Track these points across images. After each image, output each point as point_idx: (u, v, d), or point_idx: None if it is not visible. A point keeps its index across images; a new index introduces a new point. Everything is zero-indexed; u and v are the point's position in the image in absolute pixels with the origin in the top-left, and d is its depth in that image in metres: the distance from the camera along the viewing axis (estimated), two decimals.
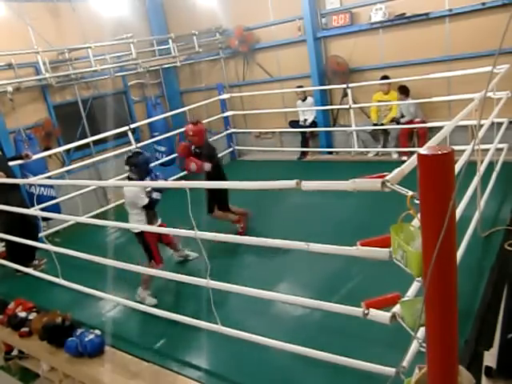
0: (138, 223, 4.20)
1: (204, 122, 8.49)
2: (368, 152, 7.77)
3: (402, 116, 7.24)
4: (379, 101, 7.44)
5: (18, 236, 4.88)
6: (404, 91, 7.04)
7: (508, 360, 2.85)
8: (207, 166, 5.05)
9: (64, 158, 7.95)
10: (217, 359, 3.41)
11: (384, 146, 7.70)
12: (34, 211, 5.39)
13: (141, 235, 4.19)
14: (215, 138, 8.68)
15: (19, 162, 5.76)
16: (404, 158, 6.97)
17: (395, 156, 7.37)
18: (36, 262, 5.39)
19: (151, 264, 4.23)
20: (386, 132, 7.64)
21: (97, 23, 8.04)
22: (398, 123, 7.22)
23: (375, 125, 7.55)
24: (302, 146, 8.37)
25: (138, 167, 4.20)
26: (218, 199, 5.26)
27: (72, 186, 6.67)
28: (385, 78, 7.33)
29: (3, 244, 5.93)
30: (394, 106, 7.33)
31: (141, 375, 3.32)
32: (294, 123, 8.50)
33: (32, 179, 6.30)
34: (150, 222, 4.27)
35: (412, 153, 6.90)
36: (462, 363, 1.95)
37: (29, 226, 5.29)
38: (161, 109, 9.00)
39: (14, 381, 4.43)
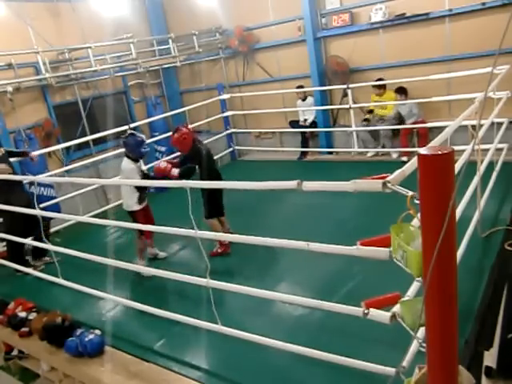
0: (130, 200, 4.66)
1: (204, 122, 8.58)
2: (368, 152, 7.77)
3: (400, 116, 7.25)
4: (376, 101, 7.47)
5: (21, 233, 4.87)
6: (402, 92, 7.04)
7: (508, 360, 2.86)
8: (174, 171, 4.68)
9: (64, 157, 7.94)
10: (217, 359, 3.41)
11: (384, 146, 7.70)
12: (34, 211, 5.39)
13: (133, 213, 4.71)
14: (215, 137, 8.69)
15: (19, 158, 5.76)
16: (404, 158, 6.99)
17: (395, 156, 7.40)
18: (47, 258, 5.36)
19: (141, 238, 4.82)
20: (378, 132, 7.65)
21: (97, 23, 8.04)
22: (401, 123, 7.25)
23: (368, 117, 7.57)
24: (302, 146, 8.37)
25: (128, 146, 4.62)
26: (216, 205, 4.96)
27: (72, 185, 6.67)
28: (380, 80, 7.35)
29: (3, 244, 5.92)
30: (390, 105, 7.35)
31: (141, 375, 3.32)
32: (294, 123, 8.51)
33: (33, 177, 6.29)
34: (141, 201, 4.74)
35: (412, 153, 6.98)
36: (462, 363, 1.95)
37: (32, 222, 5.25)
38: (161, 109, 9.00)
39: (14, 381, 4.43)
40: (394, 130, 7.41)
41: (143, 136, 4.74)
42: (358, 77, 7.76)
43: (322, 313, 3.17)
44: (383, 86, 7.33)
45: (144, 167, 4.86)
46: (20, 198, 5.07)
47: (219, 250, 4.92)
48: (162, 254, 5.09)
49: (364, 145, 7.85)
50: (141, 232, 4.75)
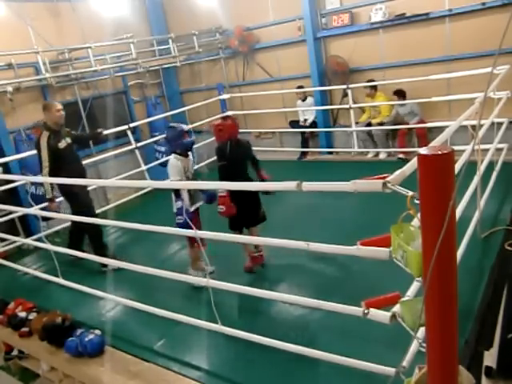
0: (176, 203, 4.10)
1: (204, 121, 8.58)
2: (368, 152, 7.77)
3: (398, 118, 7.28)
4: (369, 103, 7.53)
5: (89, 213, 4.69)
6: (400, 94, 7.05)
7: (508, 360, 2.86)
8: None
9: None
10: (217, 359, 3.41)
11: (386, 147, 7.71)
12: (34, 211, 5.40)
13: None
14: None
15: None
16: (400, 156, 7.08)
17: (382, 156, 7.50)
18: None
19: (193, 247, 4.28)
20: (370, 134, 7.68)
21: (97, 23, 8.04)
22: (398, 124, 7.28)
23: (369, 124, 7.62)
24: (302, 146, 8.37)
25: (170, 142, 4.32)
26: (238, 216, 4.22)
27: None
28: (371, 81, 7.39)
29: (3, 244, 5.92)
30: (384, 107, 7.38)
31: (141, 375, 3.32)
32: (294, 123, 8.51)
33: (33, 177, 6.29)
34: (192, 202, 4.26)
35: (410, 153, 6.95)
36: (462, 363, 1.95)
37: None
38: (161, 109, 9.00)
39: (14, 381, 4.43)
40: (392, 130, 7.43)
41: (183, 125, 4.34)
42: (358, 77, 7.76)
43: (322, 313, 3.17)
44: (374, 87, 7.36)
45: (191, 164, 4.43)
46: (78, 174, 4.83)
47: (250, 264, 4.50)
48: (208, 268, 4.03)
49: (364, 145, 7.86)
50: (190, 240, 4.24)
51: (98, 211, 6.58)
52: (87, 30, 7.89)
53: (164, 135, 4.46)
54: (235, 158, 4.34)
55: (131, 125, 7.33)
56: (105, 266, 4.84)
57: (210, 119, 8.66)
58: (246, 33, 8.73)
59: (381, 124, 7.45)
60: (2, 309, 4.51)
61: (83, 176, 5.08)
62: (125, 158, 7.83)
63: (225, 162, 4.31)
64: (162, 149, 8.69)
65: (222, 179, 4.27)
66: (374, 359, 2.59)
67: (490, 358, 2.88)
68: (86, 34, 7.82)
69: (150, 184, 6.86)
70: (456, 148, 1.71)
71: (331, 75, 7.97)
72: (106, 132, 6.96)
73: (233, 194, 4.08)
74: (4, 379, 4.50)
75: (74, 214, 4.87)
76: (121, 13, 8.35)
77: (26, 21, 7.18)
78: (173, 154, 4.26)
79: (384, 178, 2.05)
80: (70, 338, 3.69)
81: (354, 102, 7.64)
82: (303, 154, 8.36)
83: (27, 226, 6.87)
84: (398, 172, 2.09)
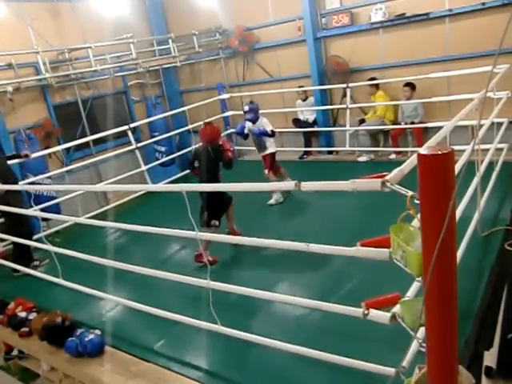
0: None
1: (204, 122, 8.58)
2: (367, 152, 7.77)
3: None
4: (373, 102, 7.51)
5: (16, 235, 4.91)
6: (412, 86, 7.02)
7: (508, 360, 2.86)
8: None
9: (64, 158, 7.95)
10: (217, 359, 3.41)
11: (383, 146, 7.71)
12: (34, 211, 5.40)
13: None
14: None
15: (18, 160, 5.80)
16: (392, 156, 7.22)
17: (363, 158, 7.49)
18: (36, 263, 5.38)
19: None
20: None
21: (97, 23, 8.04)
22: (397, 123, 7.29)
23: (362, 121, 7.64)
24: (306, 146, 8.37)
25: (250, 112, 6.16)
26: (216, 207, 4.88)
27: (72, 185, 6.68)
28: (372, 79, 7.39)
29: (3, 244, 5.92)
30: (380, 106, 7.39)
31: (141, 375, 3.32)
32: (298, 122, 8.46)
33: (31, 183, 6.31)
34: (259, 149, 6.49)
35: (400, 152, 7.09)
36: (462, 363, 1.95)
37: (24, 226, 5.29)
38: (161, 109, 9.00)
39: (14, 381, 4.43)
40: (387, 131, 7.50)
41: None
42: (358, 77, 7.75)
43: (322, 313, 3.16)
44: (375, 85, 7.38)
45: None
46: (16, 200, 5.09)
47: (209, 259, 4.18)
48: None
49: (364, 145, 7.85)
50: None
51: (97, 211, 6.62)
52: (87, 30, 7.88)
53: None
54: (202, 158, 4.90)
55: (131, 125, 7.33)
56: (17, 271, 5.16)
57: (210, 119, 8.67)
58: (246, 33, 8.73)
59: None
60: (2, 309, 4.51)
61: None
62: (125, 158, 7.83)
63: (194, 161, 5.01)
64: (163, 149, 8.69)
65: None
66: (374, 359, 2.59)
67: (490, 358, 2.88)
68: (86, 34, 7.82)
69: (145, 188, 6.81)
70: (456, 148, 1.71)
71: (331, 75, 7.97)
72: (104, 134, 6.97)
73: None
74: (4, 379, 4.50)
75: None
76: (121, 13, 8.35)
77: (25, 21, 7.18)
78: (264, 118, 6.22)
79: (383, 176, 2.04)
80: (70, 338, 3.68)
81: (354, 102, 7.62)
82: (306, 153, 8.36)
83: None
84: (396, 170, 2.09)
